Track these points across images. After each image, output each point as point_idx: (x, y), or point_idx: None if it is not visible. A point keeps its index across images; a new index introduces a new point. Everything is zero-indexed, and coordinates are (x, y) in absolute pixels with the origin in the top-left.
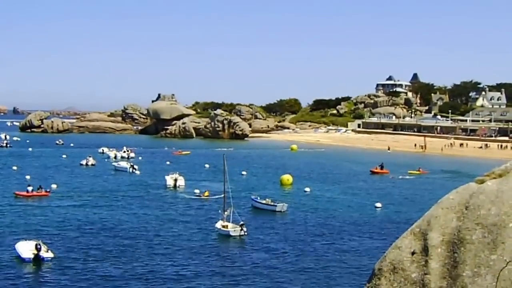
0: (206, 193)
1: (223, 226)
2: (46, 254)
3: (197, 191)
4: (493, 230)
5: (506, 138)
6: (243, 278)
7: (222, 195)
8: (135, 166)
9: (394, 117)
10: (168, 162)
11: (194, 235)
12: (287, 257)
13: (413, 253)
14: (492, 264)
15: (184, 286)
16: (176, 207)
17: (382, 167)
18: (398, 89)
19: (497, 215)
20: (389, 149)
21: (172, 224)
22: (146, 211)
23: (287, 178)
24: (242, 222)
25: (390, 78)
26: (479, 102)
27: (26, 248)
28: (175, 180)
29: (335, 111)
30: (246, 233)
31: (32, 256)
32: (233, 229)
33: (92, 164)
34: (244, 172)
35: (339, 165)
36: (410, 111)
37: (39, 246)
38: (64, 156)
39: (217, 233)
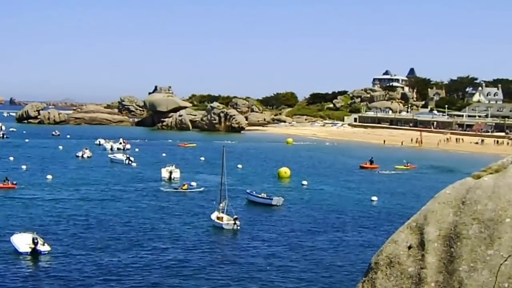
0: (185, 186)
1: (218, 218)
2: (43, 247)
3: (194, 183)
4: (490, 225)
5: (503, 134)
6: (235, 272)
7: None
8: (131, 158)
9: (390, 111)
10: (164, 154)
11: (186, 227)
12: (281, 251)
13: (409, 247)
14: (488, 259)
15: (177, 278)
16: (167, 200)
17: (372, 162)
18: (395, 84)
19: (493, 210)
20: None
21: (165, 216)
22: (139, 203)
23: (285, 171)
24: (235, 216)
25: (387, 73)
26: (476, 98)
27: (22, 242)
28: (170, 172)
29: (331, 105)
30: (239, 227)
31: (29, 249)
32: (227, 222)
33: (88, 156)
34: (240, 165)
35: (335, 159)
36: (406, 106)
37: (36, 240)
38: (60, 147)
39: (210, 225)
